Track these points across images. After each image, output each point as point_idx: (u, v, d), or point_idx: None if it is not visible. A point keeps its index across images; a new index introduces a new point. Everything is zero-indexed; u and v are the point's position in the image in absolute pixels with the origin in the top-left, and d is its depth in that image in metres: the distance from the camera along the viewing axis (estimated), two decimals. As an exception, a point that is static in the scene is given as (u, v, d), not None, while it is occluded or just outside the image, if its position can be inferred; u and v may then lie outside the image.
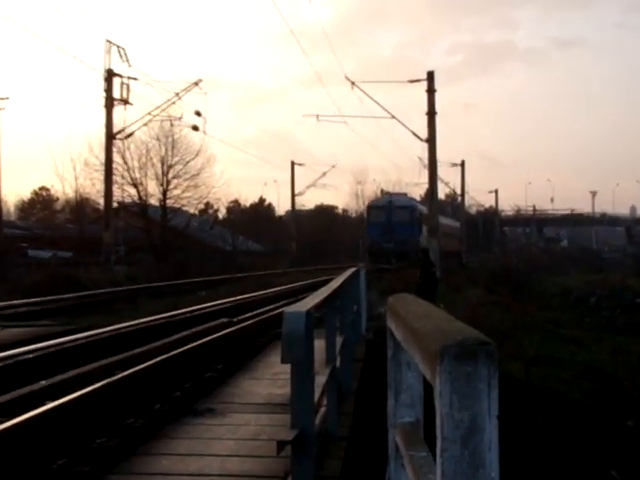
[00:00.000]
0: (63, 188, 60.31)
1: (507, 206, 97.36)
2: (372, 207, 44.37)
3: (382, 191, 49.87)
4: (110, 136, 30.31)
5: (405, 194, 47.41)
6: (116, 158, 35.55)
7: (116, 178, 35.70)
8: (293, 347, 3.29)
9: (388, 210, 41.97)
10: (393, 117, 29.16)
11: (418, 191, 57.58)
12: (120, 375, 7.35)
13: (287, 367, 3.53)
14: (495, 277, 31.32)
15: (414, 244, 37.78)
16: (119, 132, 30.59)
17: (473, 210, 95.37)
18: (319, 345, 4.85)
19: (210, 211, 58.60)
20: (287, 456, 3.48)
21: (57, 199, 59.43)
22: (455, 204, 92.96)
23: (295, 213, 56.20)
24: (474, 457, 1.55)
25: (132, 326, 12.07)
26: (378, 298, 21.20)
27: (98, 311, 17.03)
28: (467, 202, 69.33)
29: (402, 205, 42.63)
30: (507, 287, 24.50)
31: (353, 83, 28.28)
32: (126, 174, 38.88)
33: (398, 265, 35.13)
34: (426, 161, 30.97)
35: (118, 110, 32.38)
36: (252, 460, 4.84)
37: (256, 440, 5.36)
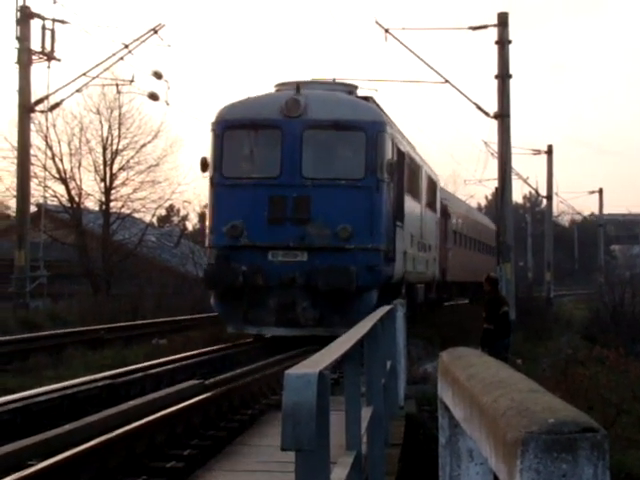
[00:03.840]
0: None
1: (617, 214, 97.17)
2: (229, 125, 20.37)
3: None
4: (26, 107, 30.60)
5: (353, 88, 22.56)
6: (35, 140, 35.91)
7: (35, 169, 36.03)
8: (299, 426, 3.28)
9: (288, 136, 19.90)
10: (446, 82, 29.22)
11: (483, 191, 57.17)
12: (34, 468, 7.36)
13: (288, 455, 3.52)
14: (599, 320, 31.26)
15: (379, 261, 19.63)
16: (40, 101, 30.89)
17: (565, 219, 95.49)
18: (336, 421, 4.84)
19: (175, 220, 59.00)
20: None
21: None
22: (537, 210, 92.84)
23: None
24: None
25: (53, 392, 12.10)
26: (422, 350, 21.17)
27: (3, 369, 17.08)
28: (556, 207, 69.38)
29: (338, 119, 19.93)
30: (618, 335, 24.43)
31: (387, 31, 28.40)
32: (50, 164, 39.27)
33: (327, 331, 17.33)
34: (494, 147, 30.96)
35: (39, 69, 32.69)
36: None
37: None
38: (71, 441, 8.60)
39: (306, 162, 19.77)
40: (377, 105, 22.01)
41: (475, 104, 29.19)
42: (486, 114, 29.02)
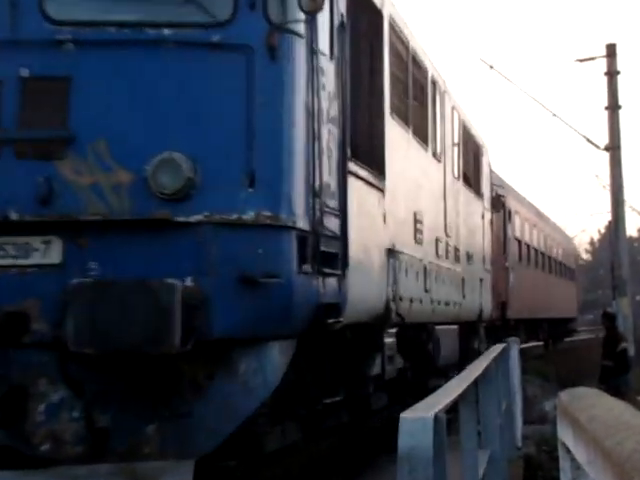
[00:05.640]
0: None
1: None
2: None
3: None
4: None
5: None
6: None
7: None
8: (416, 471, 3.25)
9: None
10: (554, 115, 28.97)
11: (595, 224, 56.30)
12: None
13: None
14: None
15: (284, 262, 6.58)
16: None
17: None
18: (452, 463, 4.78)
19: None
20: None
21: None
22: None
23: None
24: None
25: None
26: (538, 388, 20.68)
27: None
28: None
29: None
30: None
31: (491, 67, 28.29)
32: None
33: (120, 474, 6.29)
34: (606, 180, 30.43)
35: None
36: None
37: None
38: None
39: None
40: None
41: (585, 137, 28.81)
42: (596, 147, 28.63)
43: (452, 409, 5.00)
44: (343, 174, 7.76)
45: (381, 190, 9.28)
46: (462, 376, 5.77)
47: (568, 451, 2.92)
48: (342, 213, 7.69)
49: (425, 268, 11.63)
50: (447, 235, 13.40)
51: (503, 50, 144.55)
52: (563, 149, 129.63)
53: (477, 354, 15.69)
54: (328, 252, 7.24)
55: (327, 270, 7.21)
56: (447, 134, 13.79)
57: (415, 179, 11.28)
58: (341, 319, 7.48)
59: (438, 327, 12.22)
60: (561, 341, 35.50)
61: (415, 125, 11.30)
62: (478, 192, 17.13)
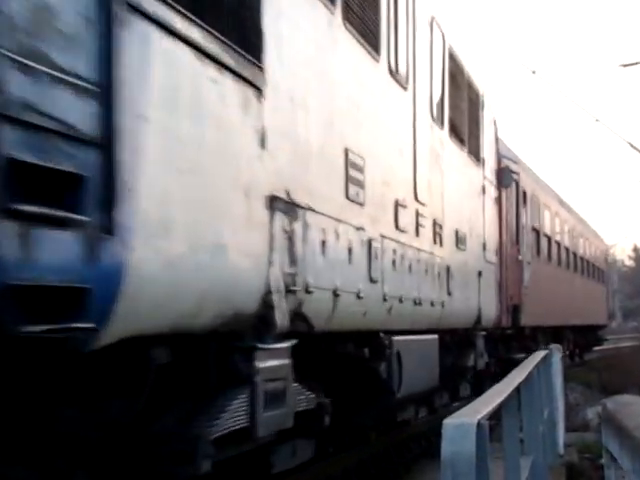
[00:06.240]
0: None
1: None
2: None
3: None
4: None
5: None
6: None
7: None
8: (459, 478, 3.23)
9: None
10: (597, 120, 28.80)
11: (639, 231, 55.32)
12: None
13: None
14: None
15: None
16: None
17: None
18: (494, 469, 4.75)
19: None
20: None
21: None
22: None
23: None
24: None
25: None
26: (581, 395, 20.47)
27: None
28: None
29: None
30: None
31: (533, 72, 28.12)
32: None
33: None
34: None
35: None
36: None
37: None
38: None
39: None
40: None
41: (628, 142, 28.60)
42: (640, 152, 28.39)
43: (494, 416, 4.93)
44: (107, 5, 3.61)
45: (253, 85, 5.10)
46: (505, 382, 5.74)
47: (613, 459, 2.90)
48: (104, 89, 3.60)
49: (370, 244, 7.30)
50: (418, 201, 9.00)
51: (546, 55, 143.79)
52: (606, 155, 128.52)
53: (474, 373, 12.93)
54: (45, 167, 3.26)
55: (37, 210, 3.21)
56: (420, 54, 9.32)
57: (347, 92, 6.89)
58: (89, 324, 3.45)
59: (398, 338, 8.05)
60: (589, 351, 32.95)
61: (349, 10, 6.89)
62: (476, 156, 12.53)
